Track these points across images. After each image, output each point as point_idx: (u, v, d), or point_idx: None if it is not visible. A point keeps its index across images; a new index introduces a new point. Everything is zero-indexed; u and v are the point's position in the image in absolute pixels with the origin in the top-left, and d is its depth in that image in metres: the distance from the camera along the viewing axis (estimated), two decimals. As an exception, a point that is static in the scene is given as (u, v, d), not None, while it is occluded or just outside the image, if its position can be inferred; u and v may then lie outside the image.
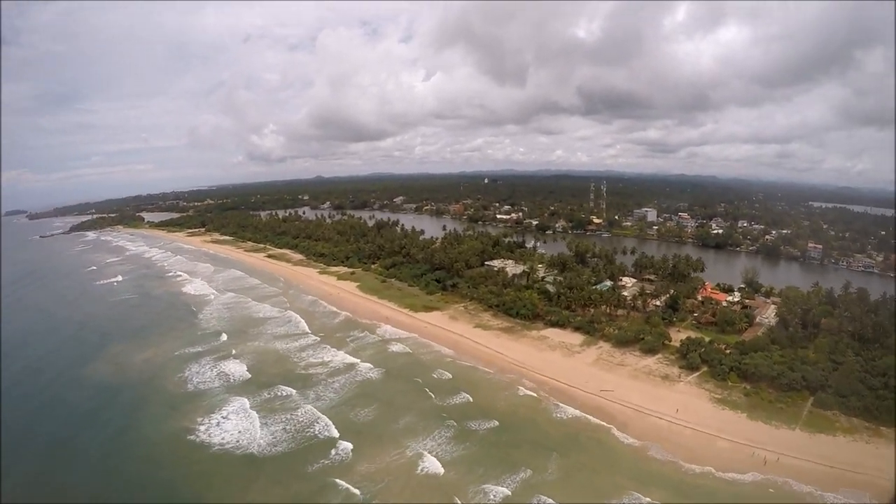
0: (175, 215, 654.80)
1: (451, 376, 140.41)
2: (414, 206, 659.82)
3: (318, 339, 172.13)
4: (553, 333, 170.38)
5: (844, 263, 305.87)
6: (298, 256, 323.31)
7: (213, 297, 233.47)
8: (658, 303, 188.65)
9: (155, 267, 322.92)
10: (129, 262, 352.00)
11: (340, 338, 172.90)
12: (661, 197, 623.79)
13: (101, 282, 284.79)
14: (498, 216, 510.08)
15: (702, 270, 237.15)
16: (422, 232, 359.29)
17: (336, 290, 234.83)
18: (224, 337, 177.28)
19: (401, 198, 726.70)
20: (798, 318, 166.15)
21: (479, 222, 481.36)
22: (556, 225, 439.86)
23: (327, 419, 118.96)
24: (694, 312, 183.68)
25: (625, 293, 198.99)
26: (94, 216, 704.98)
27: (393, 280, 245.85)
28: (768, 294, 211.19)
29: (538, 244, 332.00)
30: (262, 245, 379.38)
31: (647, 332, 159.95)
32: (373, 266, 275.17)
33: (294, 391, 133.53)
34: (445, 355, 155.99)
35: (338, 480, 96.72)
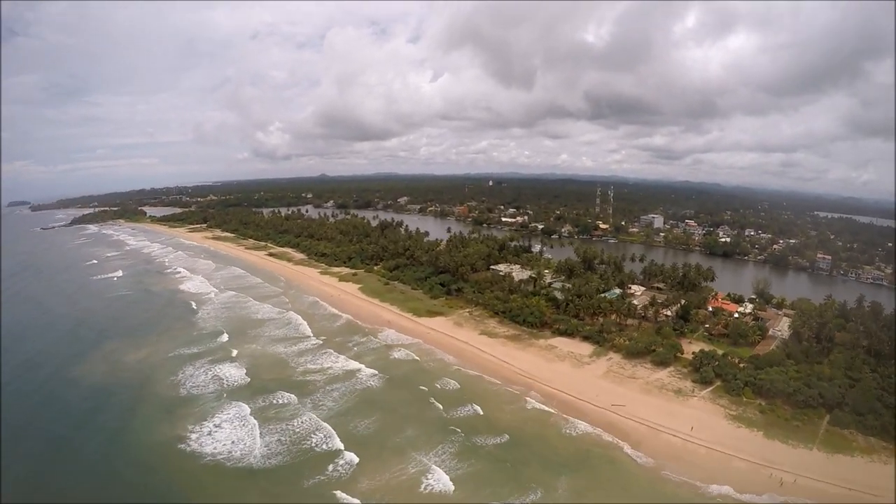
0: (178, 210, 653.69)
1: (456, 386, 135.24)
2: (418, 206, 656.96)
3: (319, 342, 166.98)
4: (561, 343, 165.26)
5: (853, 275, 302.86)
6: (300, 256, 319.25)
7: (212, 295, 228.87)
8: (668, 313, 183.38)
9: (154, 262, 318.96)
10: (128, 256, 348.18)
11: (342, 342, 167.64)
12: (666, 203, 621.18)
13: (100, 276, 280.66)
14: (503, 219, 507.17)
15: (712, 280, 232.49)
16: (426, 234, 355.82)
17: (337, 291, 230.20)
18: (222, 338, 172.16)
19: (405, 198, 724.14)
20: (813, 332, 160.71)
21: (484, 225, 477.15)
22: (562, 229, 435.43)
23: (329, 428, 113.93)
24: (705, 323, 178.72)
25: (634, 302, 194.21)
26: (96, 209, 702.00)
27: (396, 283, 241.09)
28: (780, 305, 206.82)
29: (544, 249, 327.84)
30: (263, 243, 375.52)
31: (658, 343, 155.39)
32: (375, 268, 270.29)
33: (293, 398, 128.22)
34: (450, 363, 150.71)
35: (340, 493, 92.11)
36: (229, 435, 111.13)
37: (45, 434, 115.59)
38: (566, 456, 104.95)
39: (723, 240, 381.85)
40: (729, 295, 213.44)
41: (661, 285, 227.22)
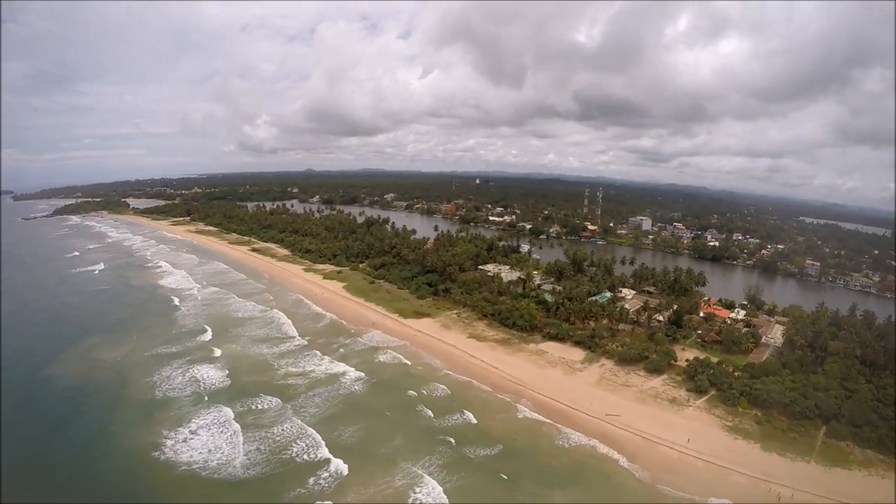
0: (161, 203, 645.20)
1: (445, 393, 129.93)
2: (405, 203, 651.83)
3: (303, 343, 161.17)
4: (552, 347, 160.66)
5: (842, 282, 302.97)
6: (284, 251, 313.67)
7: (194, 291, 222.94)
8: (661, 318, 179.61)
9: (136, 256, 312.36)
10: (110, 249, 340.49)
11: (326, 343, 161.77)
12: (653, 206, 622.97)
13: (80, 269, 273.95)
14: (490, 218, 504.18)
15: (703, 285, 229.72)
16: (413, 231, 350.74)
17: (321, 289, 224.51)
18: (203, 336, 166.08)
19: (391, 195, 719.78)
20: (807, 341, 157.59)
21: (472, 223, 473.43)
22: (550, 230, 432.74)
23: (315, 435, 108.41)
24: (698, 329, 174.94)
25: (626, 306, 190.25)
26: (79, 200, 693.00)
27: (382, 281, 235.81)
28: (771, 312, 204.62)
29: (532, 249, 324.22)
30: (246, 238, 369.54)
31: (651, 350, 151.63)
32: (361, 265, 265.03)
33: (276, 402, 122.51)
34: (438, 368, 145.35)
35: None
36: (206, 442, 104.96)
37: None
38: (560, 469, 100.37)
39: (711, 244, 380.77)
40: (720, 300, 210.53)
41: (651, 289, 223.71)
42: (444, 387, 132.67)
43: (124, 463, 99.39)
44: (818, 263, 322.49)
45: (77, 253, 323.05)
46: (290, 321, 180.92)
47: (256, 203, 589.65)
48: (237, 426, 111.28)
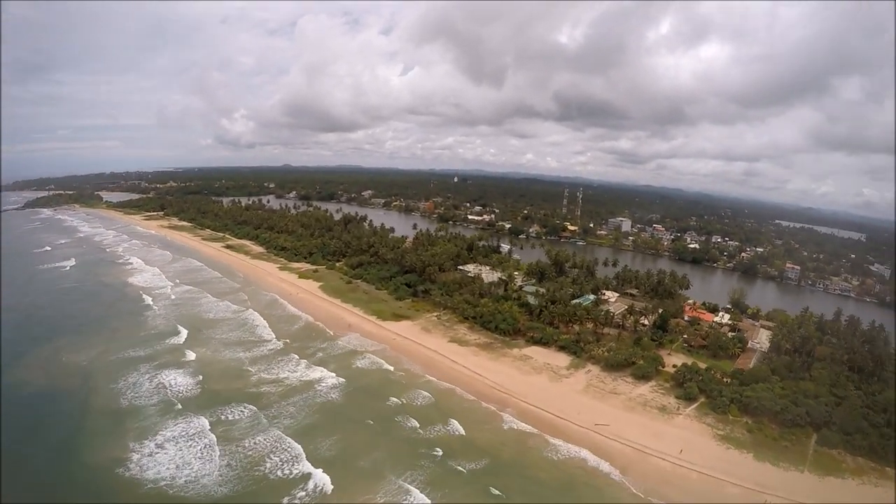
0: (136, 196, 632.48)
1: (427, 402, 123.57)
2: (382, 201, 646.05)
3: (278, 347, 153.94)
4: (536, 353, 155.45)
5: (822, 286, 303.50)
6: (258, 249, 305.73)
7: (166, 289, 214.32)
8: (646, 322, 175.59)
9: (107, 252, 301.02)
10: (81, 244, 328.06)
11: (303, 347, 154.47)
12: (631, 207, 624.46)
13: (50, 266, 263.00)
14: (469, 217, 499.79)
15: (687, 288, 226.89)
16: (391, 229, 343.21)
17: (297, 289, 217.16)
18: (175, 339, 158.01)
19: (369, 192, 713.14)
20: (794, 346, 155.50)
21: (450, 222, 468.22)
22: (530, 230, 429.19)
23: (295, 446, 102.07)
24: (683, 334, 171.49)
25: (609, 308, 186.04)
26: (52, 192, 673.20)
27: (359, 281, 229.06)
28: (755, 316, 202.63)
29: (512, 249, 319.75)
30: (221, 234, 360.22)
31: (638, 355, 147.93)
32: (337, 264, 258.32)
33: (251, 411, 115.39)
34: (419, 374, 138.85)
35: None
36: (175, 456, 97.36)
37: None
38: (551, 482, 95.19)
39: (692, 246, 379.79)
40: (704, 304, 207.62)
41: (634, 291, 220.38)
42: (426, 395, 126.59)
43: (88, 480, 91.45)
44: (798, 267, 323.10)
45: (47, 248, 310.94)
46: (264, 323, 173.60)
47: (232, 198, 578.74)
48: (209, 438, 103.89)
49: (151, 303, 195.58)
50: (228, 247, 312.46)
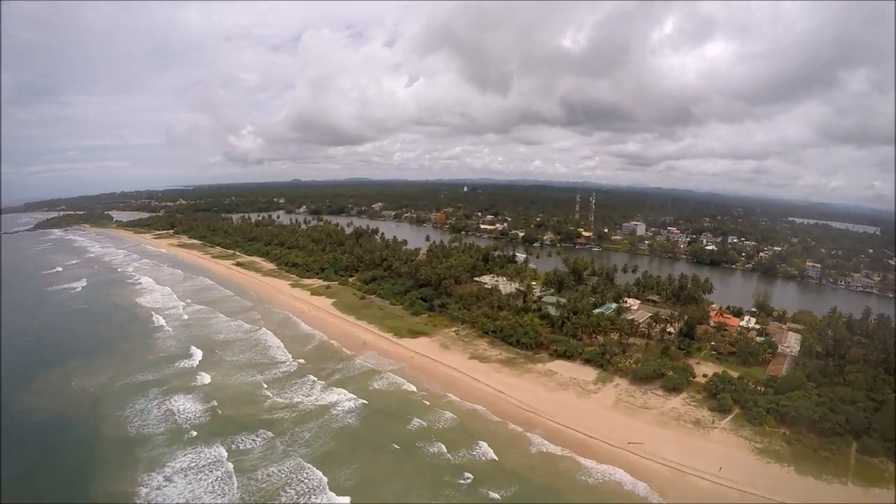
0: (145, 215, 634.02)
1: (451, 424, 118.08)
2: (393, 213, 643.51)
3: (293, 369, 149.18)
4: (561, 367, 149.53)
5: (843, 283, 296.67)
6: (269, 265, 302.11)
7: (177, 310, 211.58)
8: (671, 330, 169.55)
9: (118, 272, 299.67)
10: (91, 265, 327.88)
11: (318, 368, 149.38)
12: (643, 210, 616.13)
13: (60, 287, 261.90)
14: (481, 226, 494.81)
15: (710, 292, 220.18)
16: (404, 242, 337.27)
17: (309, 307, 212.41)
18: (186, 362, 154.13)
19: (379, 204, 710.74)
20: (827, 349, 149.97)
21: (463, 232, 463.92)
22: (544, 237, 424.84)
23: (317, 473, 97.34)
24: (711, 341, 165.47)
25: (631, 317, 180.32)
26: (62, 213, 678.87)
27: (373, 297, 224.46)
28: (782, 318, 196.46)
29: (528, 258, 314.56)
30: (231, 251, 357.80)
31: (667, 366, 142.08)
32: (350, 279, 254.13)
33: (267, 437, 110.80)
34: (440, 395, 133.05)
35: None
36: (185, 490, 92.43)
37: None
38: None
39: (709, 248, 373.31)
40: (728, 308, 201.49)
41: (655, 298, 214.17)
42: (449, 416, 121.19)
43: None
44: (818, 265, 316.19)
45: (57, 269, 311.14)
46: (278, 343, 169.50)
47: (242, 214, 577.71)
48: (226, 468, 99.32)
49: (164, 323, 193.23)
50: (239, 264, 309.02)
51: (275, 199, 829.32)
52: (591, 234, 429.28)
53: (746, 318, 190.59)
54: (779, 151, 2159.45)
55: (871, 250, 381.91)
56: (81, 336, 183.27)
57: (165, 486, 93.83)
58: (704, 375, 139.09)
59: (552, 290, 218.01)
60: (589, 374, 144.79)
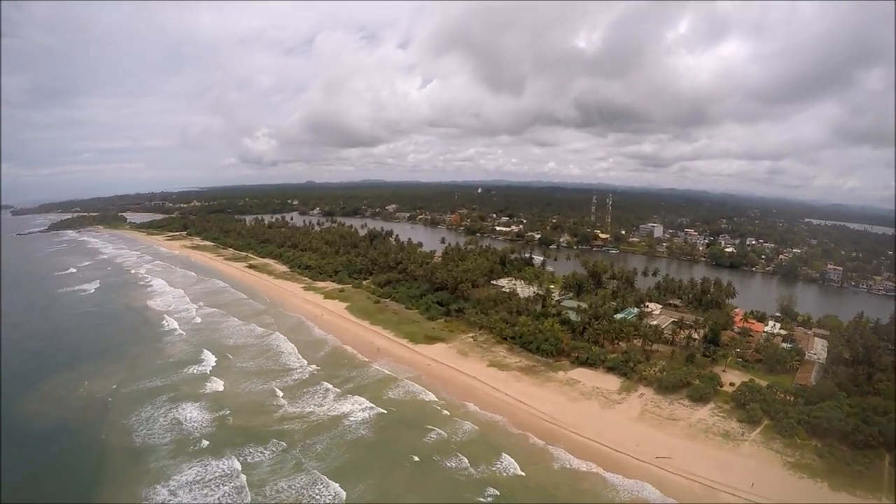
0: (159, 216, 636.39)
1: (468, 436, 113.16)
2: (407, 214, 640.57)
3: (306, 376, 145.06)
4: (583, 375, 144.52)
5: (865, 286, 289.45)
6: (282, 268, 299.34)
7: (188, 313, 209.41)
8: (696, 336, 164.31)
9: (130, 273, 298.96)
10: (104, 266, 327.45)
11: (333, 375, 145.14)
12: (659, 211, 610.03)
13: (72, 289, 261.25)
14: (497, 228, 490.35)
15: (733, 296, 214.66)
16: (419, 244, 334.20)
17: (323, 310, 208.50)
18: (198, 367, 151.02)
19: (393, 206, 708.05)
20: (855, 356, 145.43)
21: (478, 234, 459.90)
22: (560, 239, 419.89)
23: (335, 487, 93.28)
24: (736, 347, 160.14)
25: (654, 322, 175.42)
26: (76, 214, 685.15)
27: (388, 300, 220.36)
28: (806, 324, 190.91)
29: (545, 261, 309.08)
30: (244, 253, 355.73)
31: (693, 374, 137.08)
32: (364, 282, 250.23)
33: (280, 447, 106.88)
34: (457, 405, 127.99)
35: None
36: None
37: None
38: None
39: (728, 250, 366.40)
40: (752, 312, 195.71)
41: (677, 302, 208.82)
42: (469, 428, 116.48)
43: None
44: (839, 268, 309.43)
45: (70, 270, 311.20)
46: (291, 348, 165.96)
47: (255, 216, 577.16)
48: (239, 480, 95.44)
49: (176, 326, 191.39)
50: (251, 266, 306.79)
51: (289, 201, 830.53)
52: (607, 236, 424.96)
53: (771, 323, 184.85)
54: (794, 152, 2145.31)
55: (890, 252, 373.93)
56: (92, 339, 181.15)
57: (171, 500, 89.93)
58: (731, 384, 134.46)
59: (571, 294, 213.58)
60: (612, 382, 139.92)
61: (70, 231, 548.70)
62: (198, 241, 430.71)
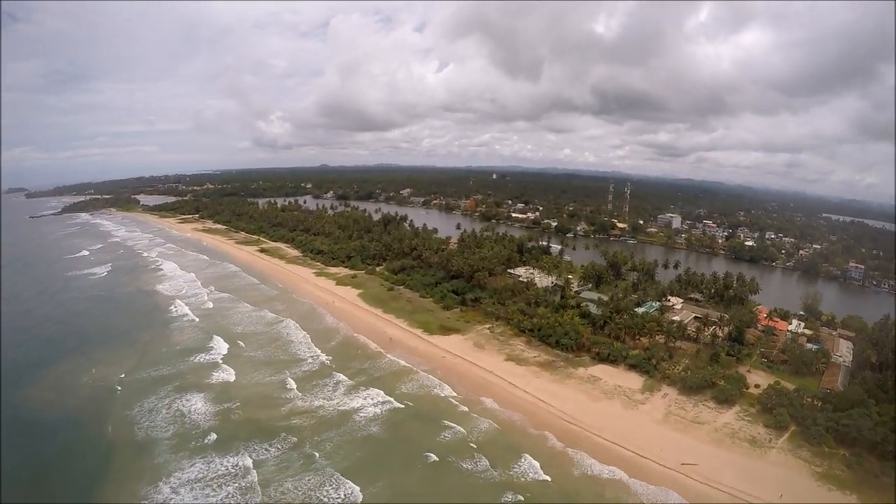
0: (172, 199, 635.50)
1: (485, 435, 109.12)
2: (422, 199, 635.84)
3: (318, 367, 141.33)
4: (604, 372, 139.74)
5: (887, 286, 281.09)
6: (294, 252, 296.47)
7: (199, 297, 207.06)
8: (719, 333, 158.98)
9: (141, 257, 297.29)
10: (115, 250, 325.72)
11: (345, 366, 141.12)
12: (676, 201, 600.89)
13: (82, 272, 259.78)
14: (512, 214, 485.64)
15: (757, 292, 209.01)
16: (434, 230, 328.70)
17: (335, 297, 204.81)
18: (205, 356, 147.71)
19: (408, 190, 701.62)
20: (882, 360, 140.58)
21: (494, 220, 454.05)
22: (577, 227, 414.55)
23: (351, 486, 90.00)
24: (761, 347, 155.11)
25: (676, 317, 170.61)
26: (89, 197, 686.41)
27: (401, 288, 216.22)
28: (831, 324, 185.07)
29: (563, 249, 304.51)
30: (255, 237, 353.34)
31: (718, 374, 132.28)
32: (378, 269, 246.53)
33: (290, 443, 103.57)
34: (474, 401, 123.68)
35: None
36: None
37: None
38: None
39: (748, 243, 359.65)
40: (775, 310, 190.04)
41: (698, 296, 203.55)
42: (488, 425, 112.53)
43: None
44: (861, 266, 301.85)
45: (81, 253, 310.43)
46: (303, 336, 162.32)
47: (268, 199, 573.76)
48: (251, 477, 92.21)
49: (187, 311, 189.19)
50: (263, 250, 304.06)
51: (302, 184, 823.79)
52: (625, 225, 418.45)
53: (795, 321, 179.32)
54: (813, 145, 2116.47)
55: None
56: (102, 324, 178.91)
57: (173, 498, 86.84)
58: (756, 386, 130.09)
59: (590, 286, 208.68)
60: (634, 381, 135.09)
61: (83, 214, 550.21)
62: (210, 223, 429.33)
